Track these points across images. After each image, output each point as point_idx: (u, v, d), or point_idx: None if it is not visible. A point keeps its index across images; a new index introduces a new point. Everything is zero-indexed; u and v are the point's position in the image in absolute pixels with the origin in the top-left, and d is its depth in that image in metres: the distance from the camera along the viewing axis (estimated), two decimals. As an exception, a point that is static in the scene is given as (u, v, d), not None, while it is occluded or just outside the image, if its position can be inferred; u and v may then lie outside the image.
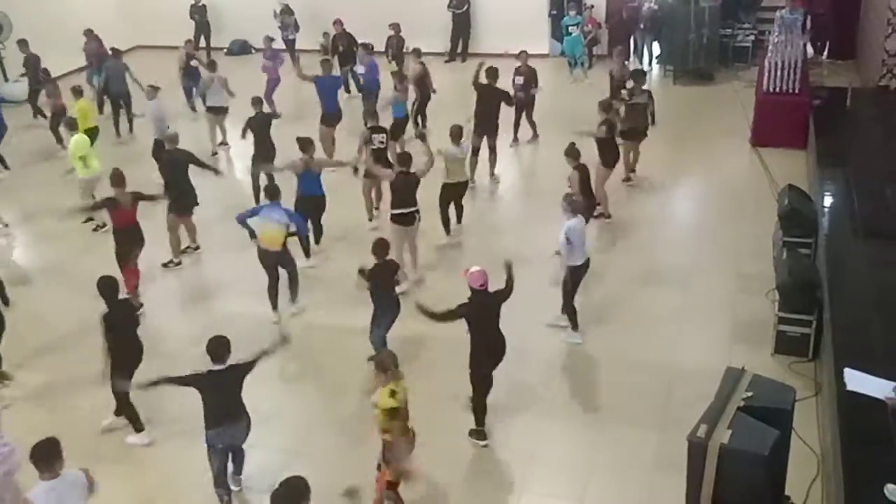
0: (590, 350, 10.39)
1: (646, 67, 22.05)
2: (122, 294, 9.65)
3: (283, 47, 22.04)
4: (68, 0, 23.29)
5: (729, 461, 6.16)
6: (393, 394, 7.32)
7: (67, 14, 22.54)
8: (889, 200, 11.81)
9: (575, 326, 10.48)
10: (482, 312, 8.50)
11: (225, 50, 24.93)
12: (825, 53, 20.17)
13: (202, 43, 24.23)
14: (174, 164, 12.75)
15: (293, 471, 6.42)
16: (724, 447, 6.15)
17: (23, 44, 19.33)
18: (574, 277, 10.28)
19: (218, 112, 17.23)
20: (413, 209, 11.65)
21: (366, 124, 13.74)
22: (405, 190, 11.55)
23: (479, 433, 8.87)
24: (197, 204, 12.87)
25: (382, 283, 9.59)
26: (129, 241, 11.36)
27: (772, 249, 11.37)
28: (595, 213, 12.76)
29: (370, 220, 13.64)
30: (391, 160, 13.49)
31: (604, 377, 9.92)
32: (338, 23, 20.33)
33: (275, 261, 11.01)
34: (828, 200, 12.05)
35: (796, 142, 15.59)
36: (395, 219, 11.63)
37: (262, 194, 12.52)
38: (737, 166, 15.52)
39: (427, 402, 8.64)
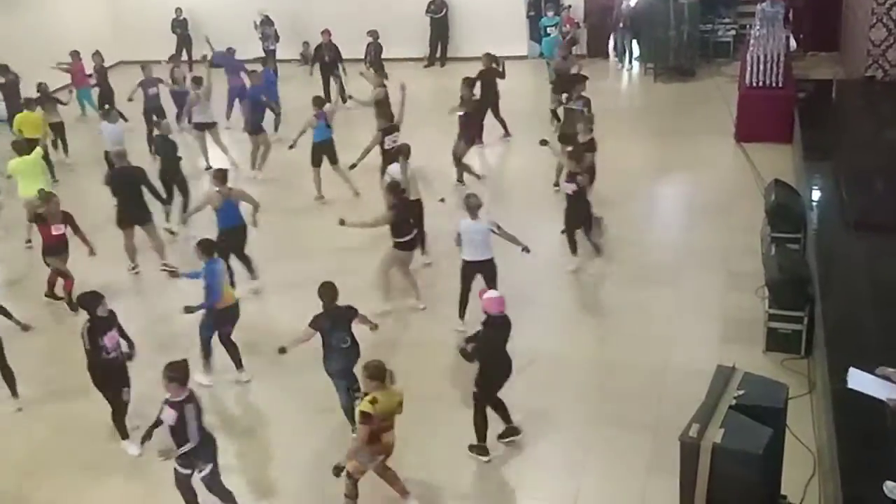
0: (580, 351, 10.25)
1: (626, 66, 22.06)
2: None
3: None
4: (54, 16, 23.27)
5: (722, 461, 6.01)
6: (373, 401, 7.29)
7: (54, 31, 22.42)
8: (878, 193, 11.70)
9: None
10: (498, 341, 8.39)
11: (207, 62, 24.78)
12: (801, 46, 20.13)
13: (184, 56, 24.35)
14: (124, 180, 12.70)
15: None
16: (716, 447, 6.01)
17: (3, 69, 19.00)
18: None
19: (206, 128, 16.96)
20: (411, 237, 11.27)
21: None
22: (396, 220, 11.11)
23: (481, 449, 8.64)
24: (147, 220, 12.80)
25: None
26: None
27: (760, 246, 11.23)
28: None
29: None
30: None
31: (594, 378, 9.76)
32: (325, 33, 20.14)
33: None
34: (816, 194, 11.93)
35: (782, 136, 15.44)
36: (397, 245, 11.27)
37: None
38: (722, 163, 15.41)
39: (415, 405, 8.49)
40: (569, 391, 9.56)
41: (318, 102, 14.97)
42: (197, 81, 16.90)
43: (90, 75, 20.22)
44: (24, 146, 14.22)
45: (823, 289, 9.48)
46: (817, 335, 9.22)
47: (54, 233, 11.67)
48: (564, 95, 14.97)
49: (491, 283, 10.24)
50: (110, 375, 8.98)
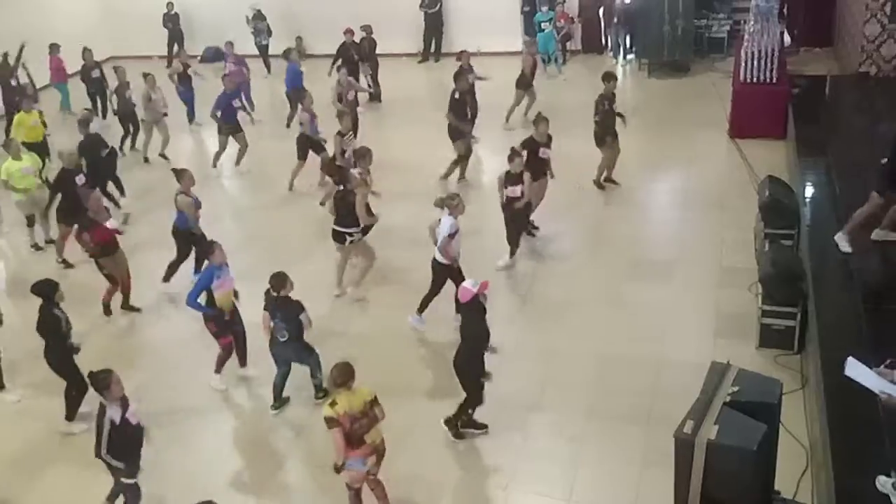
0: (575, 346, 10.25)
1: (621, 61, 22.02)
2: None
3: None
4: (47, 11, 23.17)
5: (717, 457, 6.02)
6: (332, 403, 7.17)
7: (46, 25, 22.14)
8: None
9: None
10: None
11: (199, 57, 24.71)
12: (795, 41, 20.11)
13: (175, 50, 24.11)
14: (67, 179, 13.08)
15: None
16: (711, 443, 6.01)
17: None
18: None
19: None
20: (344, 230, 11.22)
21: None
22: (341, 207, 11.20)
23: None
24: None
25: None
26: None
27: (753, 241, 11.23)
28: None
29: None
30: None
31: (589, 373, 9.77)
32: (349, 32, 19.73)
33: None
34: (809, 190, 11.95)
35: (775, 132, 15.45)
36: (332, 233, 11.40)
37: None
38: (715, 158, 15.38)
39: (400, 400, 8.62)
40: (564, 385, 9.57)
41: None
42: (149, 82, 17.13)
43: (80, 72, 20.08)
44: (17, 148, 13.97)
45: (816, 285, 9.50)
46: (810, 331, 9.22)
47: (109, 227, 11.37)
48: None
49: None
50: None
